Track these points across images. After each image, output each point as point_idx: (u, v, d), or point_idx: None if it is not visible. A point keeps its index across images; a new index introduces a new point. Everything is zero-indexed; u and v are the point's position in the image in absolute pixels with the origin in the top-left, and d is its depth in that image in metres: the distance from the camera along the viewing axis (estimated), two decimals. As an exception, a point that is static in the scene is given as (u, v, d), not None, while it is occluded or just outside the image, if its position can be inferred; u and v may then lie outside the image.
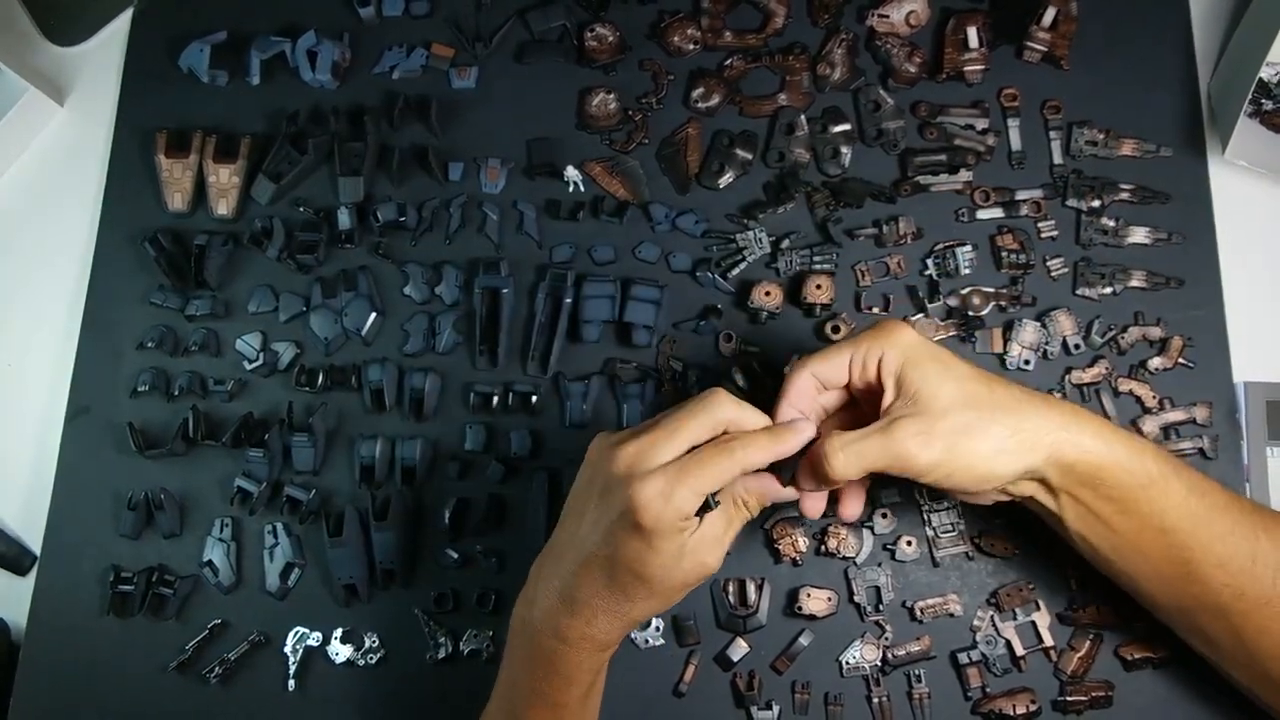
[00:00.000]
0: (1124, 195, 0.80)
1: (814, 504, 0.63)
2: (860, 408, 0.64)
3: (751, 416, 0.60)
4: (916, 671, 0.72)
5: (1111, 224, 0.79)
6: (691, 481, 0.55)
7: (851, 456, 0.57)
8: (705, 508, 0.57)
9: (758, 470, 0.59)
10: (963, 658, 0.72)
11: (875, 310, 0.79)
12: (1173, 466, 0.60)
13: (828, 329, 0.78)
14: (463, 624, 0.76)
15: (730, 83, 0.85)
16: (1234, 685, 0.65)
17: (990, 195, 0.81)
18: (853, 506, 0.64)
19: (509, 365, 0.81)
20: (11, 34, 0.92)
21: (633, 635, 0.74)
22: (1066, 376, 0.77)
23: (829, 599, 0.73)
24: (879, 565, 0.74)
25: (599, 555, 0.58)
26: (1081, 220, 0.80)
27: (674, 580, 0.58)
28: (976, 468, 0.58)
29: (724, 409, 0.59)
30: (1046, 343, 0.77)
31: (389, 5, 0.89)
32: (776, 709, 0.72)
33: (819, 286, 0.77)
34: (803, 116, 0.84)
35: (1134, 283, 0.78)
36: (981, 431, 0.57)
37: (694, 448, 0.58)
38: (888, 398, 0.59)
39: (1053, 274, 0.79)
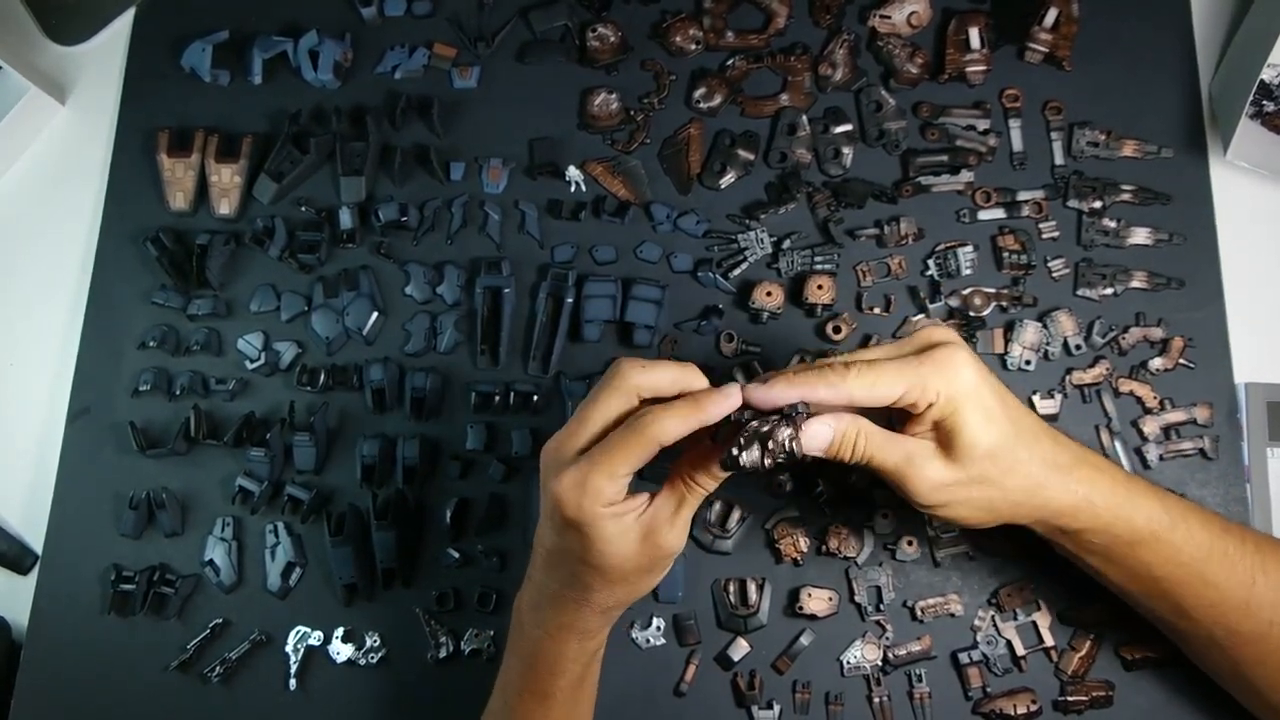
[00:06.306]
0: (1125, 196, 0.80)
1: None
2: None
3: (663, 376, 0.56)
4: (917, 671, 0.72)
5: (1113, 225, 0.79)
6: (604, 467, 0.54)
7: (860, 442, 0.56)
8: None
9: (699, 442, 0.57)
10: (963, 657, 0.72)
11: (876, 311, 0.79)
12: (1169, 520, 0.59)
13: (829, 329, 0.78)
14: (464, 624, 0.76)
15: (732, 83, 0.85)
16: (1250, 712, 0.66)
17: (991, 196, 0.81)
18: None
19: (510, 365, 0.81)
20: (13, 33, 0.92)
21: (633, 635, 0.74)
22: (1067, 377, 0.77)
23: (830, 599, 0.73)
24: (880, 565, 0.74)
25: (553, 551, 0.59)
26: (1083, 221, 0.80)
27: (629, 565, 0.57)
28: (948, 507, 0.58)
29: (631, 378, 0.56)
30: (1047, 343, 0.77)
31: (391, 5, 0.89)
32: (777, 709, 0.72)
33: (820, 287, 0.77)
34: (804, 117, 0.84)
35: (1135, 283, 0.78)
36: (982, 489, 0.58)
37: (615, 424, 0.56)
38: (918, 427, 0.57)
39: (1054, 275, 0.79)
